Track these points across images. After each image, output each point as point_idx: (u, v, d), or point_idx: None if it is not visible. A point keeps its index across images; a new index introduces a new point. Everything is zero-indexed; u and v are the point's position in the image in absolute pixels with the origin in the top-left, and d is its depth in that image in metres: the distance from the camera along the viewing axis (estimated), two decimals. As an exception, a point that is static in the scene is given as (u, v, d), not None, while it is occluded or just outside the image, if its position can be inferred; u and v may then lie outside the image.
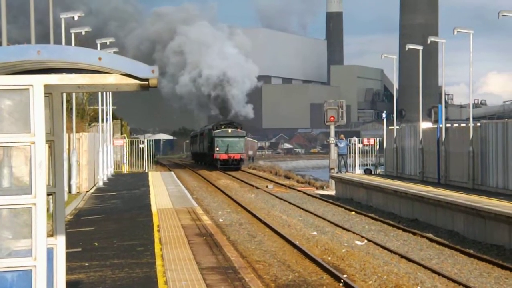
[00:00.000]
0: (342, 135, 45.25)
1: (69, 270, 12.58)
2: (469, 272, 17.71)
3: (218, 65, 78.94)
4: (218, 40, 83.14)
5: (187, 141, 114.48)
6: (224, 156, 62.22)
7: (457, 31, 30.00)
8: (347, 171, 42.52)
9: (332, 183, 42.40)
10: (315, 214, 29.76)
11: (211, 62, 79.34)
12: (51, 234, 8.65)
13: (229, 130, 63.35)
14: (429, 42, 35.31)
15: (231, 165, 62.04)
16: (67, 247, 9.10)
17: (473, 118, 31.34)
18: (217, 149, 62.40)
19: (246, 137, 66.01)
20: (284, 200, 35.62)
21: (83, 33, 31.63)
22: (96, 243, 16.44)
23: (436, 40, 35.38)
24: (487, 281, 16.79)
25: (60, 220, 8.89)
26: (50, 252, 8.58)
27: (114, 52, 34.59)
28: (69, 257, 11.19)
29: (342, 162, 43.01)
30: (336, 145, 43.02)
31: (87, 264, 13.73)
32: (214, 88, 78.71)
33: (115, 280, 12.27)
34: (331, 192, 41.00)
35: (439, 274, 17.27)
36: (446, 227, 24.73)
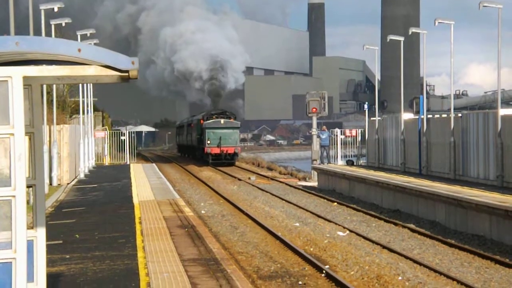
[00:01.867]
0: (324, 127, 45.38)
1: (50, 262, 12.56)
2: (450, 262, 17.86)
3: (212, 47, 71.05)
4: (209, 26, 75.45)
5: (169, 133, 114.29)
6: (216, 150, 54.88)
7: (438, 22, 30.11)
8: (329, 162, 42.65)
9: (315, 174, 42.51)
10: (297, 205, 29.85)
11: (203, 44, 71.25)
12: (31, 226, 8.63)
13: (222, 121, 56.04)
14: (410, 33, 35.44)
15: (224, 160, 54.98)
16: (47, 239, 9.09)
17: (455, 108, 31.53)
18: (208, 142, 55.11)
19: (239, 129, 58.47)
20: (267, 192, 35.68)
21: (63, 24, 31.45)
22: (77, 235, 16.41)
23: (418, 31, 35.51)
24: (468, 270, 16.94)
25: (41, 212, 8.87)
26: (30, 244, 8.56)
27: (95, 44, 34.40)
28: (50, 249, 11.17)
29: (325, 154, 43.15)
30: (318, 136, 43.14)
31: (68, 256, 13.71)
32: (209, 71, 70.17)
33: (96, 272, 12.26)
34: (314, 183, 41.12)
35: (420, 264, 17.40)
36: (428, 218, 24.89)
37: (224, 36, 74.43)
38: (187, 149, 69.91)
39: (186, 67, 72.59)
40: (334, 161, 43.83)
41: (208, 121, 56.25)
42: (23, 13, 29.89)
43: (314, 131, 43.99)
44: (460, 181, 28.21)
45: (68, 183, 32.06)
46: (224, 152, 54.92)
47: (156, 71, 77.58)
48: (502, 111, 26.19)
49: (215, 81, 69.48)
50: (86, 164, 39.58)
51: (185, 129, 69.92)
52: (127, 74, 7.68)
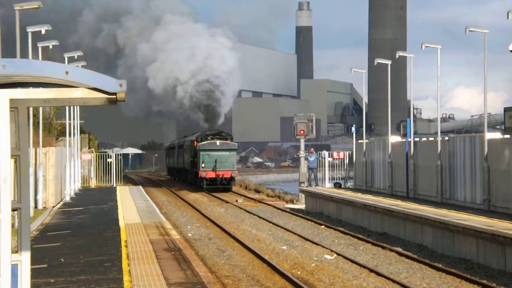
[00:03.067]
0: (312, 149, 45.46)
1: (35, 286, 12.45)
2: (437, 286, 17.85)
3: (206, 65, 64.16)
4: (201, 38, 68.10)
5: (156, 155, 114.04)
6: (211, 174, 50.27)
7: (425, 46, 30.33)
8: (317, 184, 42.68)
9: (302, 197, 42.50)
10: (285, 228, 29.79)
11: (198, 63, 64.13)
12: (16, 250, 8.56)
13: (218, 142, 51.36)
14: (397, 56, 35.66)
15: (220, 185, 50.42)
16: (32, 263, 9.02)
17: (441, 132, 31.68)
18: (203, 165, 50.45)
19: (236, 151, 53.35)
20: (254, 214, 35.62)
21: (51, 47, 31.44)
22: (62, 259, 16.29)
23: (405, 54, 35.76)
24: (455, 294, 16.93)
25: (25, 236, 8.81)
26: (14, 268, 8.49)
27: (82, 66, 34.43)
28: (35, 273, 11.09)
29: (312, 176, 43.20)
30: (306, 159, 43.21)
31: (52, 281, 13.60)
32: (201, 90, 62.99)
33: (81, 296, 12.17)
34: (301, 206, 41.09)
35: (407, 288, 17.38)
36: (415, 241, 24.90)
37: (221, 55, 66.93)
38: (178, 172, 66.21)
39: (173, 77, 64.87)
40: (322, 183, 43.86)
41: (202, 143, 51.67)
42: (10, 35, 29.91)
43: (302, 153, 44.05)
44: (447, 204, 28.27)
45: (53, 206, 31.89)
46: (220, 176, 50.46)
47: (137, 90, 70.53)
48: (489, 135, 26.34)
49: (211, 100, 62.76)
50: (72, 186, 39.42)
51: (176, 150, 66.04)
52: (114, 96, 7.69)
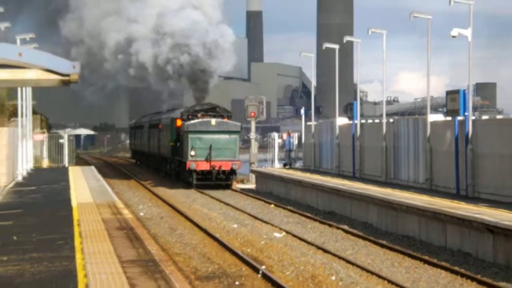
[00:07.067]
0: (290, 132, 45.73)
1: (-12, 264, 12.34)
2: (381, 262, 18.19)
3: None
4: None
5: (108, 136, 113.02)
6: (205, 166, 36.52)
7: (372, 31, 30.68)
8: (291, 164, 43.32)
9: (253, 177, 42.73)
10: (235, 207, 29.93)
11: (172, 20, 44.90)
12: (-31, 228, 8.48)
13: (213, 121, 37.04)
14: (345, 41, 35.94)
15: (216, 181, 37.09)
16: (-14, 241, 8.95)
17: (386, 114, 32.12)
18: (192, 153, 36.49)
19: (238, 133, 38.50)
20: (206, 194, 35.65)
21: (3, 28, 30.90)
22: (14, 237, 16.14)
23: (352, 39, 36.05)
24: (398, 270, 17.28)
25: (-21, 214, 8.74)
26: (-32, 246, 8.42)
27: (34, 48, 33.88)
28: (-12, 251, 10.99)
29: (292, 155, 43.91)
30: (289, 142, 43.97)
31: (5, 258, 13.49)
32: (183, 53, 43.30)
33: (34, 273, 12.11)
34: (252, 186, 41.29)
35: (353, 264, 17.68)
36: (361, 219, 25.28)
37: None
38: (148, 158, 52.11)
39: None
40: (272, 164, 44.19)
41: (191, 122, 37.17)
42: None
43: (253, 135, 44.26)
44: (391, 184, 28.74)
45: (5, 186, 31.46)
46: (217, 168, 36.63)
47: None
48: (431, 117, 26.81)
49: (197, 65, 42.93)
50: (24, 166, 38.94)
51: (146, 131, 50.97)
52: (68, 78, 7.68)
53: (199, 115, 38.05)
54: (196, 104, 39.97)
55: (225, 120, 37.65)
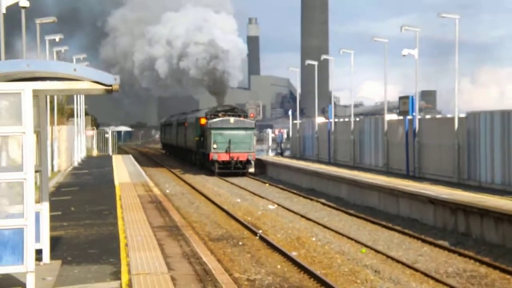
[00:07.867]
0: (281, 129, 46.11)
1: (52, 228, 12.40)
2: (350, 227, 18.30)
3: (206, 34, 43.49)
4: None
5: (142, 132, 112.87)
6: (225, 157, 34.61)
7: (343, 51, 30.82)
8: (281, 153, 43.48)
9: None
10: (239, 186, 30.00)
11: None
12: (38, 201, 8.62)
13: (231, 120, 35.14)
14: (322, 59, 36.07)
15: (234, 170, 34.81)
16: (50, 211, 9.06)
17: (354, 115, 32.22)
18: (214, 146, 34.69)
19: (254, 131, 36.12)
20: (216, 177, 35.67)
21: (63, 51, 31.08)
22: (72, 208, 16.24)
23: (327, 57, 36.18)
24: (363, 233, 17.39)
25: (45, 191, 8.88)
26: (37, 215, 8.57)
27: (86, 65, 33.95)
28: (52, 218, 11.08)
29: (283, 146, 44.01)
30: (281, 137, 44.27)
31: (66, 224, 13.60)
32: (206, 61, 42.04)
33: (87, 235, 12.22)
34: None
35: (328, 228, 17.79)
36: (334, 194, 25.38)
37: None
38: (176, 150, 49.45)
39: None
40: (266, 153, 44.31)
41: (214, 120, 35.43)
42: (30, 40, 29.26)
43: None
44: (358, 167, 28.84)
45: (65, 170, 31.55)
46: (235, 159, 34.71)
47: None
48: (388, 117, 26.96)
49: (214, 69, 41.94)
50: (79, 155, 39.04)
51: (174, 127, 48.83)
52: (111, 87, 7.77)
53: (220, 114, 36.45)
54: (217, 106, 39.13)
55: (242, 118, 35.91)
